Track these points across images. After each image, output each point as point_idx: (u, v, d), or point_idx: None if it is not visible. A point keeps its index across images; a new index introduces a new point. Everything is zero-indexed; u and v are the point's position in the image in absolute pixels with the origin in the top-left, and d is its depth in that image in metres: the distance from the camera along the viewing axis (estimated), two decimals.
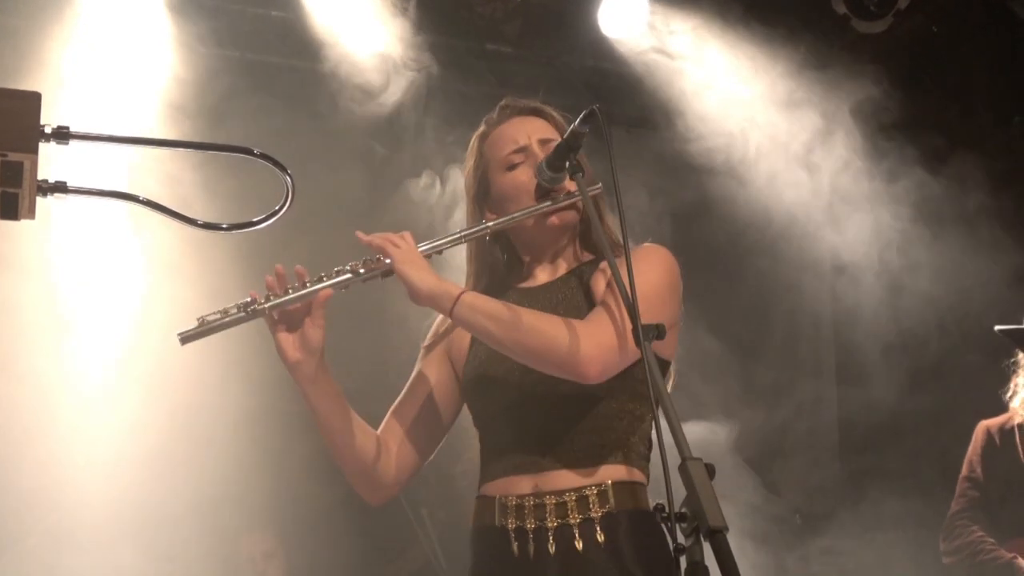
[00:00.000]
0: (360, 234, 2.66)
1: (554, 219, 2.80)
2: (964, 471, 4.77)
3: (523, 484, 2.68)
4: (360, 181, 5.28)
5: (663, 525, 2.00)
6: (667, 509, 2.04)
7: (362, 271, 2.63)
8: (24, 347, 4.71)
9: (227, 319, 2.56)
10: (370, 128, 5.33)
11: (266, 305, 2.57)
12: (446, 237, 2.79)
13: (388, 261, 2.62)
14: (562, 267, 2.88)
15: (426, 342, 2.93)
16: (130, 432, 4.88)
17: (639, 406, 2.73)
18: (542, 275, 2.88)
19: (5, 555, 4.60)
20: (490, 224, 2.78)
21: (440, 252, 2.76)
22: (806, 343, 6.57)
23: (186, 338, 2.55)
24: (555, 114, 2.93)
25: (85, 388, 4.90)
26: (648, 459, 2.77)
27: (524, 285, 2.88)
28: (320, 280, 2.61)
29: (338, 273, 2.63)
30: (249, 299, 2.57)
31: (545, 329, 2.58)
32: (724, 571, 1.91)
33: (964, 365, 5.56)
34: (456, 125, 4.77)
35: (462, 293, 2.61)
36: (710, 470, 2.03)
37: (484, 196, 2.88)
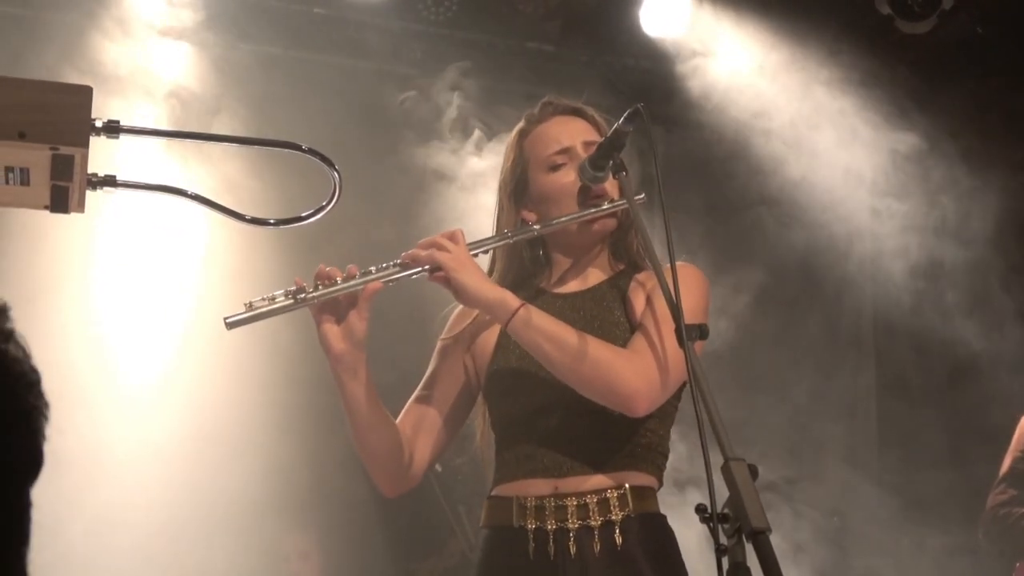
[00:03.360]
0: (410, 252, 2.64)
1: (596, 225, 2.79)
2: (1005, 465, 4.68)
3: (542, 486, 2.68)
4: (401, 181, 5.28)
5: (706, 525, 2.00)
6: (709, 510, 2.04)
7: (400, 266, 2.62)
8: (66, 342, 4.74)
9: (275, 307, 2.51)
10: (410, 126, 5.34)
11: (315, 294, 2.53)
12: (494, 237, 2.79)
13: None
14: (595, 275, 2.87)
15: (443, 336, 2.90)
16: (170, 429, 4.91)
17: (662, 425, 2.75)
18: (573, 281, 2.87)
19: (47, 549, 4.63)
20: (538, 227, 2.77)
21: (487, 252, 2.76)
22: (845, 338, 6.53)
23: (233, 323, 2.50)
24: (597, 116, 2.91)
25: (127, 384, 4.92)
26: (664, 468, 2.79)
27: (559, 290, 2.86)
28: (369, 273, 2.59)
29: (388, 267, 2.61)
30: (296, 287, 2.54)
31: (601, 359, 2.57)
32: (767, 572, 1.91)
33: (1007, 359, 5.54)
34: (495, 121, 4.79)
35: (520, 307, 2.60)
36: (753, 470, 2.03)
37: (521, 194, 2.86)
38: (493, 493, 2.77)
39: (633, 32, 5.69)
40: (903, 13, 5.60)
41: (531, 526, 2.65)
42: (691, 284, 2.69)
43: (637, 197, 2.73)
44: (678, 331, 2.27)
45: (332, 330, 2.59)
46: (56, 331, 4.70)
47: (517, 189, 2.86)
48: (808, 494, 5.67)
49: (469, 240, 2.68)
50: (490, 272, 2.88)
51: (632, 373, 2.56)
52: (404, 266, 2.62)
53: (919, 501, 5.68)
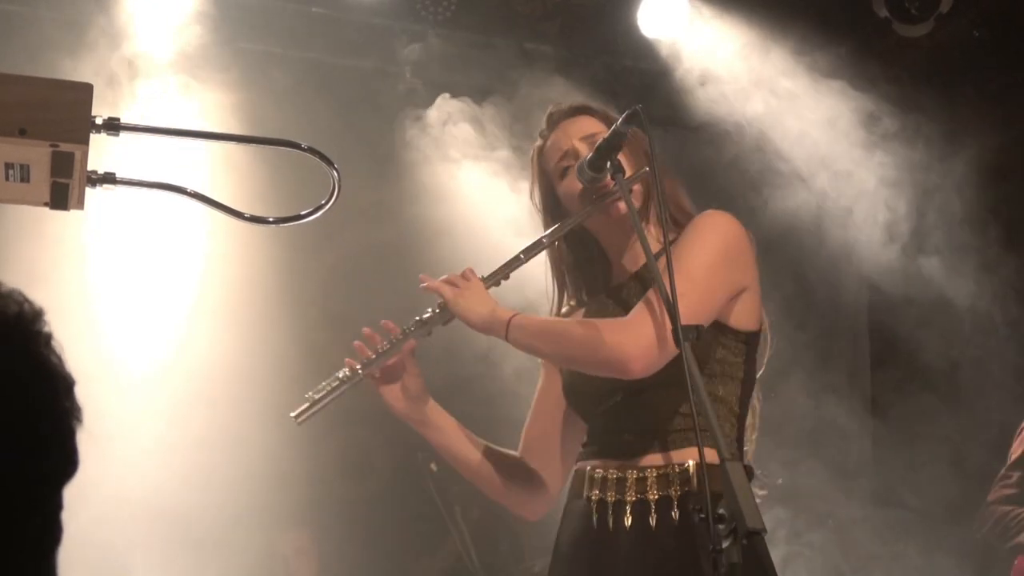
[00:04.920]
0: (424, 278, 2.81)
1: (612, 213, 2.81)
2: (1015, 453, 4.62)
3: (612, 463, 2.75)
4: (400, 181, 5.28)
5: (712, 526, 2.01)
6: (705, 509, 2.05)
7: (426, 316, 2.79)
8: (66, 337, 4.72)
9: (333, 393, 2.78)
10: (408, 126, 5.33)
11: (361, 372, 2.79)
12: (507, 263, 2.86)
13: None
14: (636, 262, 2.89)
15: None
16: (167, 427, 4.90)
17: (721, 387, 2.73)
18: (627, 268, 2.91)
19: None
20: (543, 238, 2.83)
21: (507, 277, 2.80)
22: (841, 340, 6.53)
23: (302, 419, 2.77)
24: (600, 108, 2.96)
25: (124, 381, 4.91)
26: (741, 442, 2.77)
27: (615, 283, 2.93)
28: (404, 334, 2.80)
29: (417, 322, 2.80)
30: (347, 370, 2.78)
31: (582, 336, 2.64)
32: (762, 573, 1.92)
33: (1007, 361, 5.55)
34: (493, 122, 4.79)
35: (512, 318, 2.69)
36: (748, 471, 2.04)
37: (556, 208, 2.93)
38: (575, 467, 2.88)
39: (631, 33, 5.69)
40: (901, 16, 5.60)
41: (595, 497, 2.74)
42: (705, 233, 2.72)
43: (636, 176, 2.76)
44: (675, 332, 2.28)
45: (391, 391, 2.85)
46: (56, 328, 4.68)
47: (548, 205, 2.95)
48: (803, 496, 5.67)
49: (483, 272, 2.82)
50: (560, 297, 2.98)
51: (618, 338, 2.60)
52: (423, 319, 2.81)
53: (913, 504, 5.68)
